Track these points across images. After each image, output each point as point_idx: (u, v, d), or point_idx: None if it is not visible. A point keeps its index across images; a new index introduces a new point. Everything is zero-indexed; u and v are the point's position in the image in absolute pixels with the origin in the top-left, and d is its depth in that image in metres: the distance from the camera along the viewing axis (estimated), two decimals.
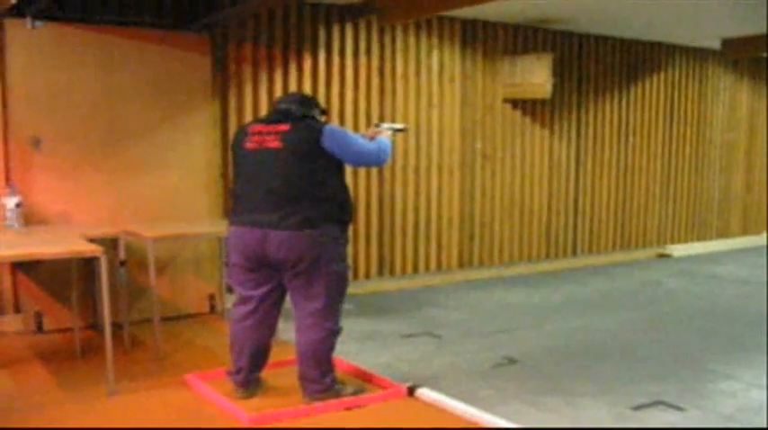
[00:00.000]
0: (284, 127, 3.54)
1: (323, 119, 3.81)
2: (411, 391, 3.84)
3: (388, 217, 6.51)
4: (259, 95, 5.75)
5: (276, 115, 3.68)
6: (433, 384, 3.93)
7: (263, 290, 3.65)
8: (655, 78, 8.32)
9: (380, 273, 6.52)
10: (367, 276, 6.45)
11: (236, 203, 3.69)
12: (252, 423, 3.42)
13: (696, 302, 6.31)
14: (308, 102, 3.78)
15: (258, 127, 3.65)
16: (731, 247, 9.22)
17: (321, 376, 3.65)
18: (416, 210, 6.68)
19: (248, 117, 5.67)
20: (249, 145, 3.60)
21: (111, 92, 5.09)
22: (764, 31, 7.06)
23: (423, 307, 5.91)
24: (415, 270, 6.74)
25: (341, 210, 3.60)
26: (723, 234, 9.34)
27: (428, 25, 6.57)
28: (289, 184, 3.47)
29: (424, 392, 3.81)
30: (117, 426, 3.43)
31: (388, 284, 6.52)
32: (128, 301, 4.78)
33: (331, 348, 3.68)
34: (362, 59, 6.25)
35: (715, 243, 9.15)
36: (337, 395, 3.68)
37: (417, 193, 6.67)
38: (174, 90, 5.30)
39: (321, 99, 6.00)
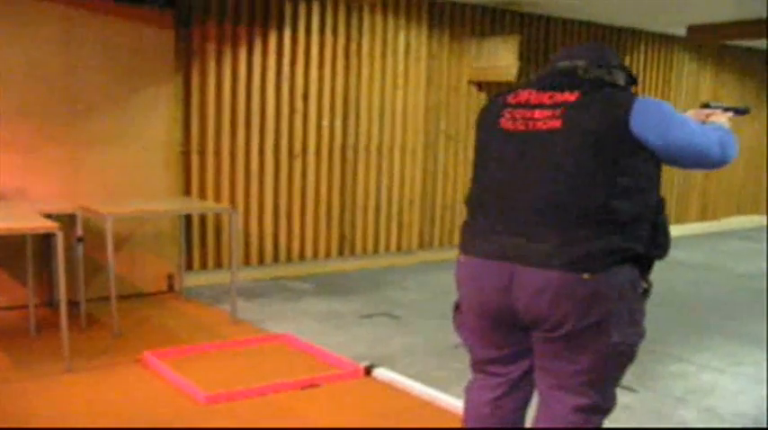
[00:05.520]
0: (569, 96, 2.17)
1: (632, 89, 2.43)
2: (368, 371, 3.86)
3: (350, 196, 6.50)
4: (223, 72, 5.67)
5: (555, 78, 2.27)
6: (390, 364, 3.96)
7: (522, 367, 2.32)
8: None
9: (341, 252, 6.52)
10: (327, 256, 6.45)
11: (472, 217, 2.32)
12: (207, 401, 3.42)
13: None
14: (607, 56, 2.33)
15: (526, 93, 2.26)
16: (688, 233, 9.39)
17: None
18: (378, 190, 6.68)
19: (211, 94, 5.61)
20: (507, 123, 2.24)
21: (71, 66, 4.99)
22: (730, 18, 7.13)
23: (382, 287, 5.94)
24: (376, 250, 6.75)
25: (650, 240, 2.21)
26: (681, 220, 9.49)
27: (395, 5, 6.53)
28: (573, 191, 2.09)
29: (381, 372, 3.84)
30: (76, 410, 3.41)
31: (348, 264, 6.53)
32: (84, 279, 4.72)
33: None
34: (328, 38, 6.20)
35: (672, 228, 9.26)
36: None
37: (380, 173, 6.67)
38: (136, 66, 5.21)
39: (285, 77, 5.96)
